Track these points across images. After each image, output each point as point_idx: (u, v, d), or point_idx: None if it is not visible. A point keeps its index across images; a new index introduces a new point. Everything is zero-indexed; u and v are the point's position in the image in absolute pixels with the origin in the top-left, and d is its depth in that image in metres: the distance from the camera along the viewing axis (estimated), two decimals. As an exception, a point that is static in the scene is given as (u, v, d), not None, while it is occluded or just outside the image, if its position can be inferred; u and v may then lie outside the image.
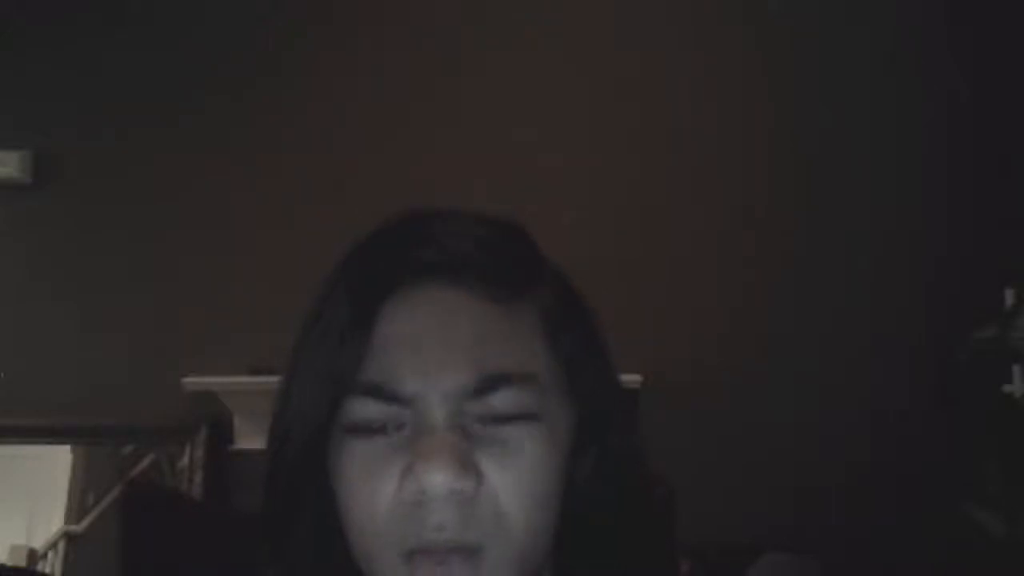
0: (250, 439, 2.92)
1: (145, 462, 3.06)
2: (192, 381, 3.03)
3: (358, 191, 2.92)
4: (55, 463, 3.09)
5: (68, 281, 3.18)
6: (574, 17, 3.21)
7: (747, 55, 3.18)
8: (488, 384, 0.65)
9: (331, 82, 3.21)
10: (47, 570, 2.97)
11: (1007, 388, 2.77)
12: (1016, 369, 2.77)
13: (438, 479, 0.62)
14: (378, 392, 0.65)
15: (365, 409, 0.66)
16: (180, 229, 3.16)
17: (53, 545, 3.02)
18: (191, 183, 3.17)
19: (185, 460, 3.04)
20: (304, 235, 2.87)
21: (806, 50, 3.15)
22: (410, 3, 3.29)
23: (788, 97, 3.14)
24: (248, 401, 2.92)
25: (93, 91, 3.26)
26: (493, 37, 3.21)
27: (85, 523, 3.03)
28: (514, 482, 0.64)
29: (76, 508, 3.06)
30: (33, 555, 2.98)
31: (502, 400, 0.65)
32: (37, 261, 3.22)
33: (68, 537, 3.03)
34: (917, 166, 3.08)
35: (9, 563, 2.85)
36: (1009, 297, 2.83)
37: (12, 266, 3.22)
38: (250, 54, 3.24)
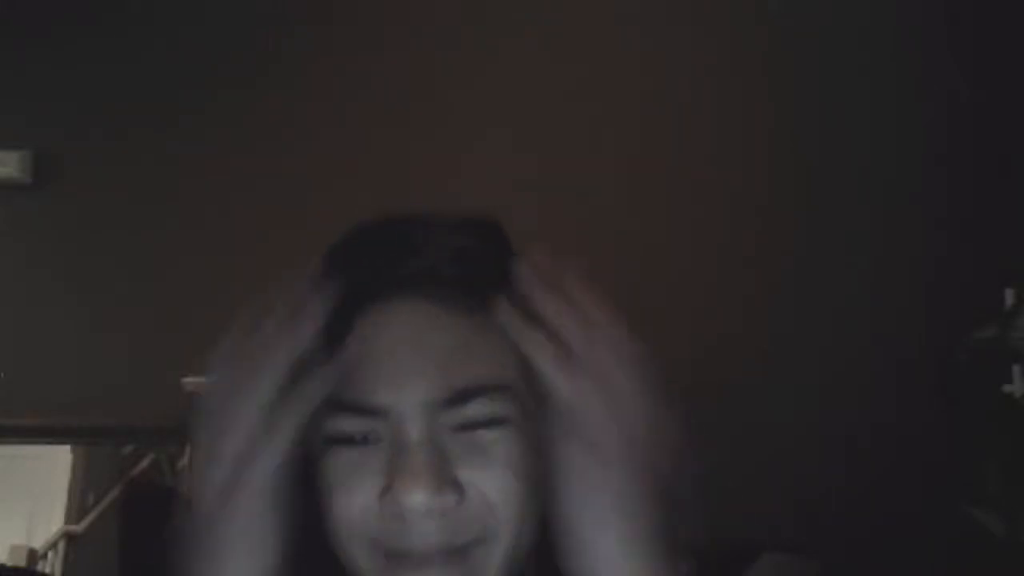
0: (250, 439, 2.92)
1: (145, 462, 3.05)
2: (192, 381, 3.02)
3: (357, 191, 2.92)
4: (55, 463, 3.09)
5: (68, 281, 3.18)
6: (574, 17, 3.21)
7: (747, 55, 3.17)
8: (461, 396, 0.65)
9: (331, 82, 3.21)
10: (47, 570, 2.96)
11: (1007, 388, 2.77)
12: (1016, 369, 2.76)
13: (419, 499, 0.63)
14: (352, 406, 0.66)
15: (341, 423, 0.66)
16: (180, 229, 3.16)
17: (53, 545, 3.02)
18: (191, 183, 3.17)
19: (185, 460, 3.04)
20: (304, 235, 2.86)
21: (806, 50, 3.15)
22: (410, 3, 3.29)
23: (788, 97, 3.14)
24: (248, 401, 2.91)
25: (93, 91, 3.26)
26: (493, 37, 3.21)
27: (85, 523, 3.03)
28: (494, 479, 0.65)
29: (76, 508, 3.06)
30: (33, 555, 2.98)
31: (476, 410, 0.66)
32: (37, 261, 3.22)
33: (68, 537, 3.03)
34: (917, 166, 3.07)
35: (9, 563, 2.84)
36: (1009, 297, 2.83)
37: (12, 266, 3.22)
38: (250, 54, 3.24)
